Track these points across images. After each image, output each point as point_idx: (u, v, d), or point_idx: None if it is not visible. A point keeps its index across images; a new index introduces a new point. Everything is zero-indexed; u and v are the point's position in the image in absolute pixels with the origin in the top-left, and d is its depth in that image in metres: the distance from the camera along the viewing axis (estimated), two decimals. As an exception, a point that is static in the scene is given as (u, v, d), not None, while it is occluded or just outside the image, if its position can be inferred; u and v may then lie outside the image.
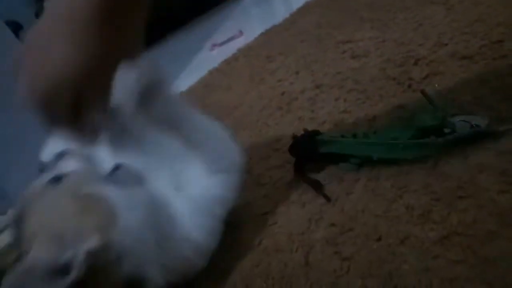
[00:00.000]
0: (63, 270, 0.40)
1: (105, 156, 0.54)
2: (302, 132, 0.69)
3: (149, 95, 0.52)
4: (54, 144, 0.57)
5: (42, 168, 0.53)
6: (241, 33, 1.87)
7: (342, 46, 1.02)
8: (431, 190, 0.51)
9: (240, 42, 1.72)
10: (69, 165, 0.51)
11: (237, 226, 0.63)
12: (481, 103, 0.61)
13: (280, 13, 1.60)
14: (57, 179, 0.49)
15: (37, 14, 3.15)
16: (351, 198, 0.57)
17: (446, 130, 0.56)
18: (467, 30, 0.79)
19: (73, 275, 0.40)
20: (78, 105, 0.43)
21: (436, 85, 0.70)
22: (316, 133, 0.68)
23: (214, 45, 1.91)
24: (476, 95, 0.63)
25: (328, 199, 0.58)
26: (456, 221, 0.45)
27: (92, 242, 0.42)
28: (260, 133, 0.87)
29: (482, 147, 0.53)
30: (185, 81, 1.59)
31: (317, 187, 0.61)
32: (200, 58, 1.90)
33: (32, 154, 1.25)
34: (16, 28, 3.28)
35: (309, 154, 0.66)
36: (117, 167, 0.51)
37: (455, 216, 0.46)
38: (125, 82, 0.47)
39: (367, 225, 0.51)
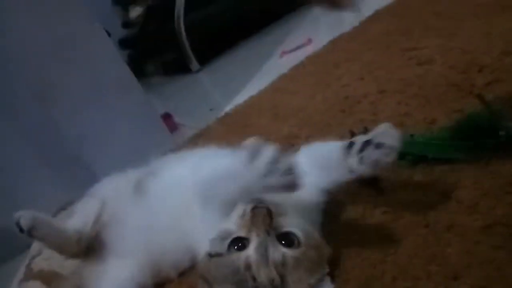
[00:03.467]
0: None
1: None
2: (361, 129, 0.74)
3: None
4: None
5: None
6: (310, 40, 1.94)
7: (407, 53, 1.06)
8: (481, 186, 0.55)
9: (308, 50, 1.79)
10: None
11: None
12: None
13: (349, 21, 1.65)
14: None
15: (124, 24, 3.48)
16: (405, 191, 0.62)
17: (501, 133, 0.60)
18: (535, 39, 0.80)
19: None
20: None
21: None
22: None
23: (284, 52, 2.00)
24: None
25: (381, 191, 0.63)
26: (501, 213, 0.49)
27: None
28: (322, 132, 0.94)
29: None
30: (255, 85, 1.70)
31: (375, 180, 0.67)
32: (269, 64, 2.00)
33: (122, 149, 1.42)
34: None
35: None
36: None
37: (500, 208, 0.50)
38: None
39: (417, 214, 0.56)
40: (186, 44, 2.74)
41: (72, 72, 1.34)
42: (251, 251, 0.49)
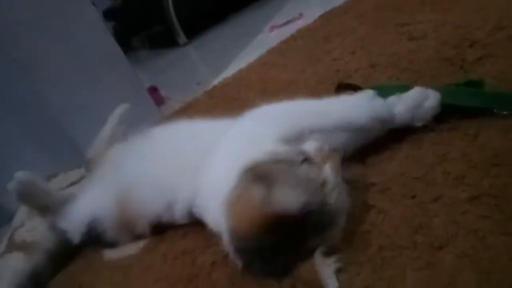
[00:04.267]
0: None
1: None
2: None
3: None
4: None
5: None
6: (300, 15, 1.91)
7: (400, 29, 1.05)
8: (469, 159, 0.55)
9: (299, 25, 1.76)
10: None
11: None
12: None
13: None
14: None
15: None
16: (392, 163, 0.61)
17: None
18: (529, 14, 0.79)
19: None
20: None
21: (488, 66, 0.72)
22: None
23: (273, 27, 1.96)
24: (528, 76, 0.65)
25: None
26: (487, 185, 0.49)
27: None
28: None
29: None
30: (244, 60, 1.67)
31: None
32: (259, 39, 1.97)
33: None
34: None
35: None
36: None
37: (487, 180, 0.50)
38: None
39: (404, 186, 0.56)
40: (173, 17, 2.67)
41: (57, 43, 1.31)
42: (329, 174, 0.51)
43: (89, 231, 0.75)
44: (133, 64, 3.32)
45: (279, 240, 0.48)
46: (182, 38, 2.75)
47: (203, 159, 0.64)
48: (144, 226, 0.72)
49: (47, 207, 0.83)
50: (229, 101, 1.21)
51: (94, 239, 0.75)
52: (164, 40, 2.94)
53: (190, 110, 1.36)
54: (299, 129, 0.60)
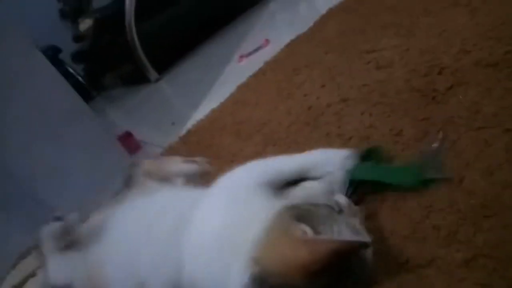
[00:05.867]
0: None
1: None
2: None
3: None
4: None
5: None
6: (267, 41, 1.90)
7: (366, 56, 1.03)
8: (457, 208, 0.52)
9: (267, 51, 1.75)
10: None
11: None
12: (506, 113, 0.61)
13: (306, 18, 1.62)
14: None
15: (75, 38, 3.33)
16: (380, 218, 0.58)
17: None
18: (492, 35, 0.79)
19: None
20: None
21: (460, 97, 0.70)
22: None
23: (242, 56, 1.95)
24: (502, 105, 0.63)
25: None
26: (481, 241, 0.46)
27: None
28: (289, 150, 0.89)
29: (507, 162, 0.54)
30: (216, 93, 1.65)
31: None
32: (229, 69, 1.95)
33: (79, 181, 1.34)
34: (56, 52, 3.49)
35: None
36: None
37: (480, 236, 0.47)
38: None
39: (395, 246, 0.53)
40: (142, 54, 2.64)
41: (17, 107, 1.25)
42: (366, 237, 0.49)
43: None
44: (107, 103, 3.31)
45: (321, 286, 0.44)
46: (153, 74, 2.72)
47: (179, 231, 0.59)
48: None
49: None
50: (204, 147, 1.17)
51: None
52: (135, 78, 2.91)
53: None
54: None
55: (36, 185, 1.32)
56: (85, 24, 3.21)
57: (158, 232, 0.63)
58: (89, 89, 3.61)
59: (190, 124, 1.48)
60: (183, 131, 1.45)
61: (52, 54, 3.39)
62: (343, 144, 0.78)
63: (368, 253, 0.48)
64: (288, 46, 1.50)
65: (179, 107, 2.14)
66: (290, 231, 0.47)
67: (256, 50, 1.91)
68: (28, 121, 1.27)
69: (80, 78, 3.59)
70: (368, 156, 0.65)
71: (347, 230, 0.48)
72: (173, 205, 0.68)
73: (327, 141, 0.82)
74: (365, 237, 0.48)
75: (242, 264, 0.47)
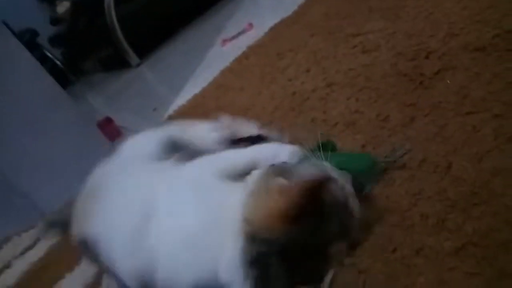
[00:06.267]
0: None
1: None
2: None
3: None
4: None
5: None
6: (251, 25, 1.86)
7: (352, 40, 1.01)
8: (445, 196, 0.51)
9: (250, 35, 1.71)
10: None
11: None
12: (495, 98, 0.60)
13: (290, 2, 1.57)
14: None
15: (52, 21, 3.21)
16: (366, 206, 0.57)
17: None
18: (479, 18, 0.77)
19: None
20: None
21: (448, 81, 0.68)
22: None
23: (225, 40, 1.91)
24: (490, 90, 0.62)
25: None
26: (471, 230, 0.45)
27: None
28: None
29: (496, 148, 0.52)
30: (199, 78, 1.61)
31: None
32: (212, 54, 1.91)
33: (61, 170, 1.30)
34: (33, 35, 3.37)
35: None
36: None
37: (470, 224, 0.46)
38: None
39: (383, 235, 0.51)
40: (121, 37, 2.56)
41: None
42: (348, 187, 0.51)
43: None
44: (87, 89, 3.22)
45: (304, 235, 0.46)
46: (133, 58, 2.65)
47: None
48: None
49: None
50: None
51: None
52: (116, 62, 2.83)
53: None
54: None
55: (17, 177, 1.27)
56: (63, 6, 3.10)
57: (130, 214, 0.60)
58: (68, 74, 3.51)
59: (172, 109, 1.45)
60: (164, 117, 1.42)
61: (29, 37, 3.27)
62: (329, 130, 0.76)
63: (354, 202, 0.50)
64: (272, 30, 1.46)
65: (161, 92, 2.09)
66: (270, 186, 0.50)
67: (240, 34, 1.87)
68: (2, 110, 1.21)
69: (58, 63, 3.49)
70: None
71: (313, 169, 0.51)
72: (143, 189, 0.64)
73: (312, 127, 0.80)
74: (331, 173, 0.51)
75: (235, 232, 0.48)
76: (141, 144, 0.75)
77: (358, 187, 0.56)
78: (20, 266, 0.99)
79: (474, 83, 0.65)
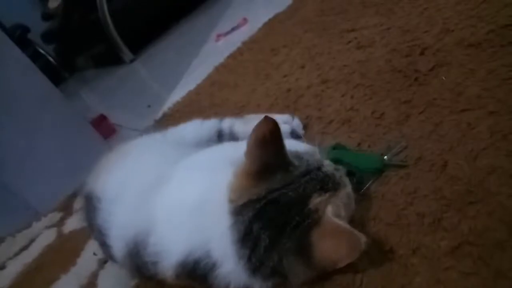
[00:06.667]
0: None
1: None
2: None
3: None
4: None
5: None
6: (245, 20, 1.85)
7: (346, 36, 1.00)
8: (441, 195, 0.51)
9: (245, 31, 1.70)
10: None
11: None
12: (490, 95, 0.60)
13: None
14: None
15: (43, 16, 3.17)
16: (361, 204, 0.57)
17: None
18: (473, 14, 0.77)
19: None
20: None
21: (443, 78, 0.68)
22: None
23: (219, 35, 1.89)
24: (485, 86, 0.61)
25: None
26: (467, 229, 0.45)
27: None
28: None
29: (492, 146, 0.52)
30: (193, 74, 1.60)
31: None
32: (206, 49, 1.89)
33: (55, 168, 1.28)
34: (24, 31, 3.32)
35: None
36: None
37: (465, 223, 0.46)
38: None
39: (378, 234, 0.51)
40: (114, 33, 2.53)
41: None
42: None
43: None
44: (80, 86, 3.19)
45: (275, 185, 0.48)
46: (127, 54, 2.62)
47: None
48: None
49: None
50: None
51: None
52: (109, 58, 2.80)
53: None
54: None
55: (7, 174, 1.26)
56: (55, 1, 3.06)
57: (146, 177, 0.63)
58: (61, 70, 3.48)
59: (166, 106, 1.44)
60: (159, 114, 1.41)
61: (20, 33, 3.23)
62: (324, 128, 0.76)
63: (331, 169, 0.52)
64: (266, 25, 1.45)
65: (155, 89, 2.08)
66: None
67: (234, 29, 1.86)
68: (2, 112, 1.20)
69: (51, 59, 3.45)
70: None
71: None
72: (165, 165, 0.65)
73: (308, 125, 0.80)
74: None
75: (224, 211, 0.50)
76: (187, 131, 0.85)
77: (357, 181, 0.57)
78: (15, 267, 0.98)
79: (469, 79, 0.64)
